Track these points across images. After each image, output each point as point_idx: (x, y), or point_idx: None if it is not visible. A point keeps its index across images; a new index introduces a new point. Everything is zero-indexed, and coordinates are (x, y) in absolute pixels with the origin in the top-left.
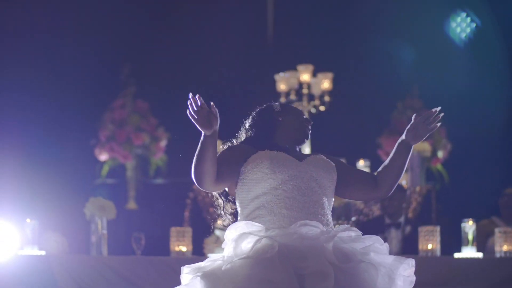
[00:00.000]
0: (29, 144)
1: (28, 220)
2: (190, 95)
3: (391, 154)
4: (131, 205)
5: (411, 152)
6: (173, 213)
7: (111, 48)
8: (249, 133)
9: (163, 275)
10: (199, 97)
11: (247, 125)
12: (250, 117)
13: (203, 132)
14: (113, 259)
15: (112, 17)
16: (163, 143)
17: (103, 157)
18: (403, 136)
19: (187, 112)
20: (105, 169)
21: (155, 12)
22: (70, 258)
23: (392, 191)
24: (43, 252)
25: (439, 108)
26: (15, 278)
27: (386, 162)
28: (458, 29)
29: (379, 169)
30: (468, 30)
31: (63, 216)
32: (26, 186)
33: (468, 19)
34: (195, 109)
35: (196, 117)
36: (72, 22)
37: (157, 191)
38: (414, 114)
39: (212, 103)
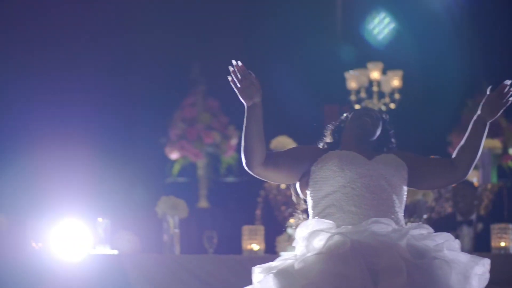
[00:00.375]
0: (100, 143)
1: (100, 219)
2: (233, 62)
3: (467, 133)
4: (203, 203)
5: (486, 130)
6: (244, 211)
7: (181, 46)
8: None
9: (235, 273)
10: (242, 66)
11: (320, 145)
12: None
13: (245, 106)
14: (185, 258)
15: (181, 16)
16: (234, 141)
17: (174, 155)
18: (479, 112)
19: (230, 79)
20: (176, 168)
21: (224, 9)
22: (142, 257)
23: (470, 171)
24: (115, 251)
25: (510, 82)
26: (88, 277)
27: (462, 142)
28: (376, 30)
29: (455, 151)
30: (386, 31)
31: (135, 215)
32: (98, 185)
33: (386, 20)
34: (239, 77)
35: (239, 86)
36: (142, 20)
37: (228, 189)
38: (489, 87)
39: (252, 73)
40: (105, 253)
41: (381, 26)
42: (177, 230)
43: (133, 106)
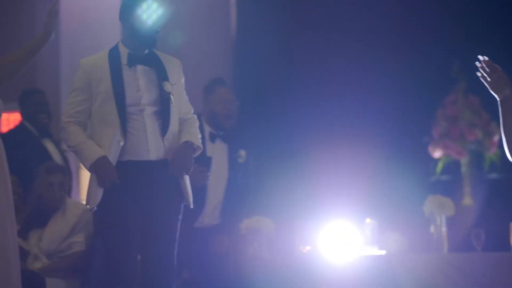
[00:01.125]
0: (367, 144)
1: (368, 220)
2: (480, 57)
3: None
4: (467, 201)
5: None
6: (509, 208)
7: (440, 44)
8: None
9: (504, 271)
10: (488, 60)
11: None
12: None
13: (498, 100)
14: (453, 256)
15: (440, 13)
16: (496, 137)
17: (437, 154)
18: None
19: (479, 75)
20: (440, 166)
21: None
22: (410, 256)
23: None
24: (383, 252)
25: None
26: (358, 279)
27: None
28: (144, 16)
29: None
30: (155, 16)
31: (401, 214)
32: (366, 186)
33: (155, 5)
34: (487, 71)
35: (489, 79)
36: (402, 18)
37: (492, 186)
38: None
39: (498, 67)
40: (373, 254)
41: (150, 12)
42: (444, 229)
43: (397, 106)
